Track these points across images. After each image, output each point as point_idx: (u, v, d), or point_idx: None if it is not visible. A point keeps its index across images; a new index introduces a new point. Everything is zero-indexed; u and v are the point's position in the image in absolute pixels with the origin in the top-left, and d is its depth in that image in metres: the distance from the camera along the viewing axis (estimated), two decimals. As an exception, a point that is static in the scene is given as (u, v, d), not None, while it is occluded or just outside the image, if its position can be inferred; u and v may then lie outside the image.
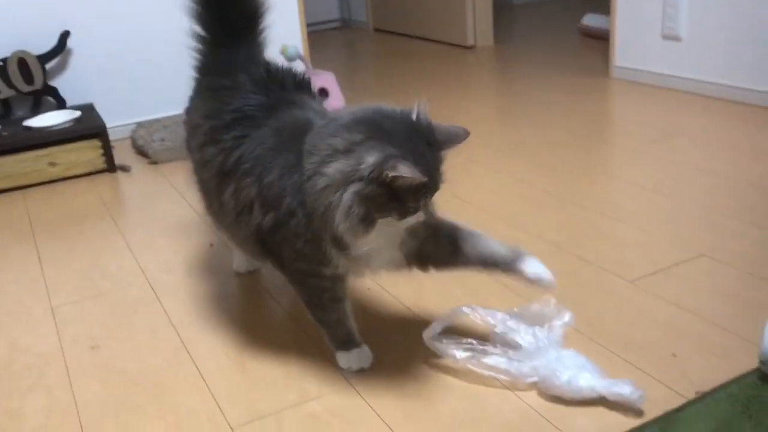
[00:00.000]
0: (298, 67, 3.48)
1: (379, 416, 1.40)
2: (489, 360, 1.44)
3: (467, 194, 2.42)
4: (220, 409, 1.47)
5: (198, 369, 1.61)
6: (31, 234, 2.42)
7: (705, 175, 2.42)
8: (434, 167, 1.30)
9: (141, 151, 3.17)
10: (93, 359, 1.68)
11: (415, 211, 1.29)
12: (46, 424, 1.47)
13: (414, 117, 1.32)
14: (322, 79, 3.56)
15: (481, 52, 4.80)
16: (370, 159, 1.23)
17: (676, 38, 3.38)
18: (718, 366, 1.45)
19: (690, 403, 1.34)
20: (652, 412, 1.33)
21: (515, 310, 1.54)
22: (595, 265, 1.89)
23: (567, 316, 1.51)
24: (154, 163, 3.04)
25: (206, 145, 1.55)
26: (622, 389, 1.32)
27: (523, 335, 1.46)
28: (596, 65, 4.05)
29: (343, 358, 1.55)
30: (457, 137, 1.34)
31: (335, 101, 3.61)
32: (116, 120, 3.41)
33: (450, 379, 1.48)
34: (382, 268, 1.47)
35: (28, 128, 2.95)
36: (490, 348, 1.46)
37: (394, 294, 1.82)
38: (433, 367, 1.53)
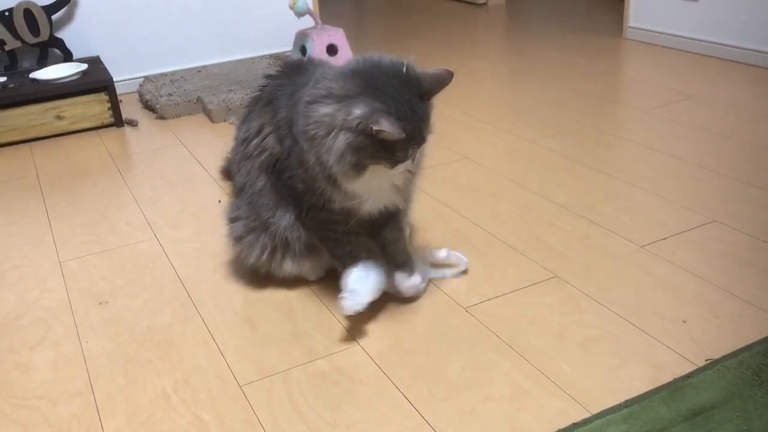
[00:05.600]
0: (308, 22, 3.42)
1: (386, 375, 1.40)
2: None
3: (477, 155, 2.40)
4: (228, 365, 1.47)
5: (206, 325, 1.61)
6: (39, 188, 2.42)
7: (718, 139, 2.38)
8: (422, 118, 1.41)
9: (148, 106, 3.14)
10: (101, 314, 1.68)
11: (404, 159, 1.40)
12: (55, 378, 1.48)
13: (404, 70, 1.40)
14: (331, 35, 3.51)
15: (492, 10, 4.72)
16: (357, 111, 1.34)
17: (693, -1, 3.32)
18: (728, 333, 1.44)
19: (700, 370, 1.33)
20: (661, 379, 1.33)
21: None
22: (605, 229, 1.87)
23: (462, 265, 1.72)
24: (162, 117, 3.02)
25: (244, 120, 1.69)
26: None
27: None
28: (610, 25, 3.99)
29: None
30: (442, 80, 1.43)
31: (344, 58, 3.56)
32: (123, 74, 3.38)
33: (458, 340, 1.48)
34: (379, 208, 1.55)
35: (35, 80, 2.92)
36: None
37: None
38: (441, 327, 1.53)
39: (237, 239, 1.68)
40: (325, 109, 1.37)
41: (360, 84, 1.37)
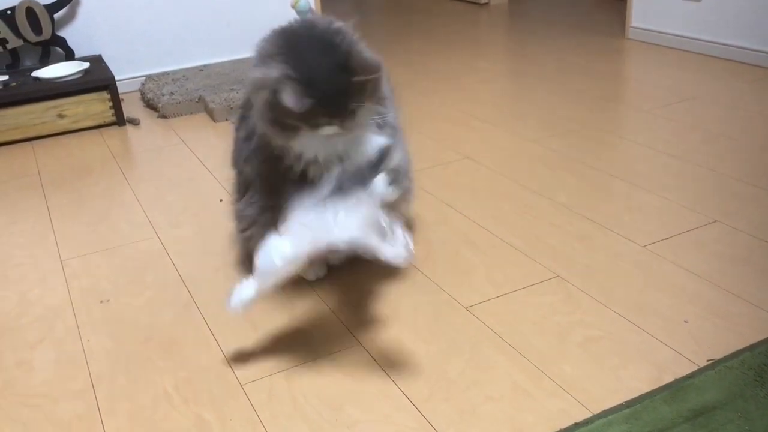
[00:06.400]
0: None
1: (387, 374, 1.40)
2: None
3: (479, 155, 2.40)
4: (229, 365, 1.47)
5: (208, 325, 1.61)
6: (40, 186, 2.42)
7: (720, 139, 2.38)
8: (341, 91, 1.34)
9: (150, 105, 3.14)
10: (103, 313, 1.68)
11: (323, 126, 1.35)
12: (56, 377, 1.48)
13: (337, 40, 1.37)
14: (334, 34, 3.50)
15: (494, 10, 4.72)
16: (271, 72, 1.33)
17: (695, -1, 3.32)
18: (730, 333, 1.44)
19: (701, 371, 1.33)
20: (663, 379, 1.33)
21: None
22: (606, 229, 1.87)
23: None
24: (164, 116, 3.02)
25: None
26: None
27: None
28: (612, 26, 3.99)
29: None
30: (368, 70, 1.36)
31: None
32: (125, 72, 3.38)
33: (459, 340, 1.48)
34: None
35: (37, 79, 2.93)
36: None
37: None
38: (442, 326, 1.53)
39: (243, 232, 1.67)
40: (253, 72, 1.40)
41: (282, 45, 1.38)
